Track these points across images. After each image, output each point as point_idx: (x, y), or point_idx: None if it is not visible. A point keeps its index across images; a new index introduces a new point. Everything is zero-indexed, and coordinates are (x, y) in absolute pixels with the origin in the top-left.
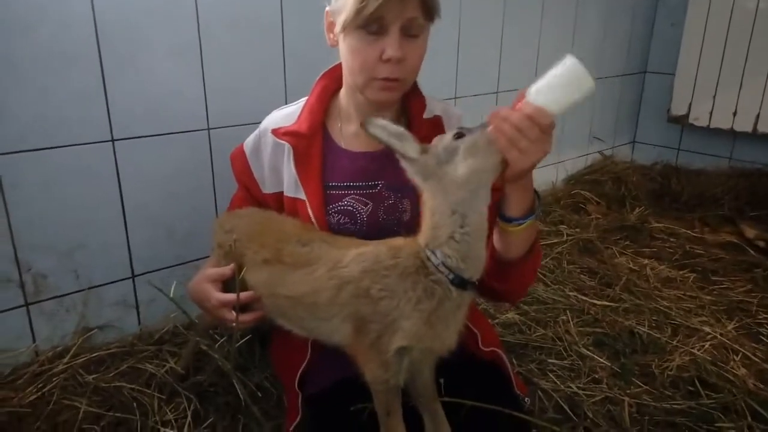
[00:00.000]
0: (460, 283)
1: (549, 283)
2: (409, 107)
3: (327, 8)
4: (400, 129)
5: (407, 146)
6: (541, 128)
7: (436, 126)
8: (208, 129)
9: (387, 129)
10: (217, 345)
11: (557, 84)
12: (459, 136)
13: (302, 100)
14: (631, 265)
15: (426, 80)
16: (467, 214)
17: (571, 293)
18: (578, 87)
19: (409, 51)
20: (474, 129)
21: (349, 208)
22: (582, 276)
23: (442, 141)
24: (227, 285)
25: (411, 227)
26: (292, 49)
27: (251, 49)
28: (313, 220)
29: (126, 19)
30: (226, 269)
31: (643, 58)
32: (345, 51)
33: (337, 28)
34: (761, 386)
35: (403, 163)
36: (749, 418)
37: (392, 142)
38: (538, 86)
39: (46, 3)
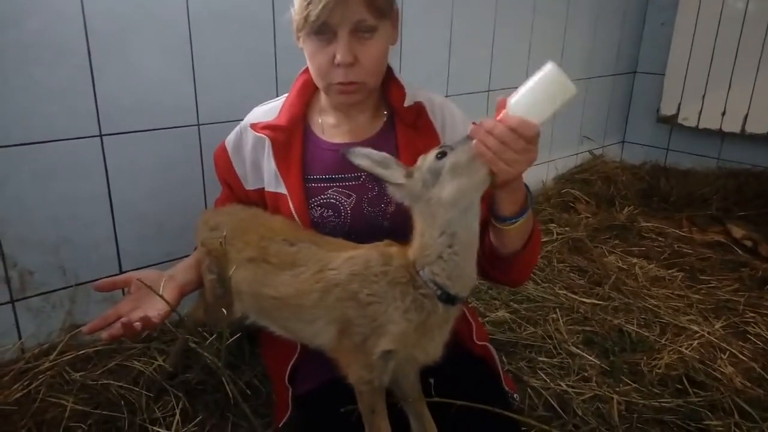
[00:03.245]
0: (447, 299)
1: (539, 281)
2: (389, 97)
3: (291, 10)
4: (384, 155)
5: (392, 172)
6: (526, 140)
7: (419, 112)
8: (198, 124)
9: (370, 157)
10: (207, 343)
11: (538, 92)
12: (442, 155)
13: (284, 96)
14: (620, 264)
15: (418, 78)
16: (457, 232)
17: (560, 292)
18: (559, 94)
19: (362, 52)
20: (456, 146)
21: (332, 200)
22: (572, 275)
23: (426, 161)
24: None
25: (396, 218)
26: (283, 44)
27: (242, 43)
28: (294, 214)
29: (115, 13)
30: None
31: (634, 58)
32: (306, 54)
33: (294, 34)
34: (748, 384)
35: (390, 189)
36: (736, 416)
37: (377, 170)
38: (519, 95)
39: None
